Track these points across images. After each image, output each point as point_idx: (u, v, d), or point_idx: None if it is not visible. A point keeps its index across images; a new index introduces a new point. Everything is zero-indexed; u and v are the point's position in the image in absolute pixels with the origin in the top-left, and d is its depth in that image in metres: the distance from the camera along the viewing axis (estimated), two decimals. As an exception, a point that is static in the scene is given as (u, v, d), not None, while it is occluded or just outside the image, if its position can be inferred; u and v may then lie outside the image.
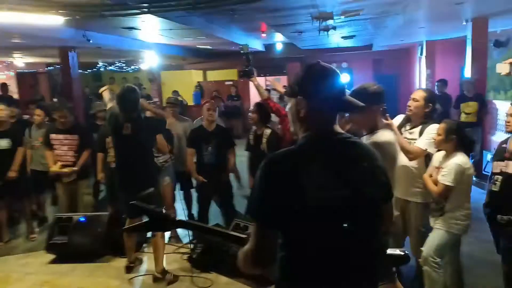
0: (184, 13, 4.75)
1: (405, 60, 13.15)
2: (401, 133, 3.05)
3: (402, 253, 1.55)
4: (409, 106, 3.09)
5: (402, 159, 2.86)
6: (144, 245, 4.38)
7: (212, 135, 4.33)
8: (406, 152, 2.90)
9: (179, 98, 8.26)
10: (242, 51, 3.87)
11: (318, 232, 1.22)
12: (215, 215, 4.59)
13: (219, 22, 6.92)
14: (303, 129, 1.34)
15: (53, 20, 4.91)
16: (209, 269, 3.77)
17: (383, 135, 2.22)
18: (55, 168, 4.49)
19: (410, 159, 2.95)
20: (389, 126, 2.60)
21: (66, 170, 4.50)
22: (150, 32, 7.74)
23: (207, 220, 4.43)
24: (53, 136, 4.57)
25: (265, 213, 1.24)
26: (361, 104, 1.38)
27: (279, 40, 10.28)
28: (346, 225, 1.23)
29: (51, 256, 4.21)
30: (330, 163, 1.27)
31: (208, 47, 10.83)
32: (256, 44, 10.66)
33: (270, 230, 1.25)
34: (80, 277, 3.82)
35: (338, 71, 1.34)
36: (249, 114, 4.50)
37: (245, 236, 1.46)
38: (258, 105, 4.21)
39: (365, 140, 2.26)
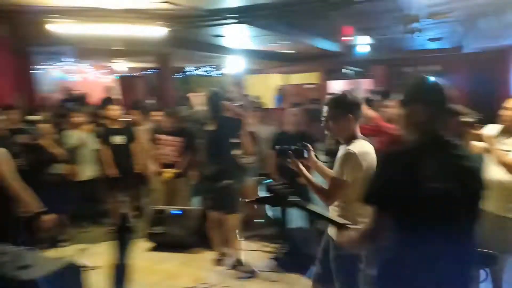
0: (271, 21, 4.98)
1: (502, 63, 11.99)
2: (496, 144, 2.83)
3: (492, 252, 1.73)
4: (503, 116, 2.90)
5: (496, 173, 2.72)
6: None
7: (294, 139, 4.46)
8: (504, 165, 2.72)
9: (258, 102, 8.56)
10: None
11: (427, 217, 1.47)
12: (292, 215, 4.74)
13: (303, 27, 7.07)
14: (416, 132, 1.58)
15: (156, 30, 5.47)
16: (293, 270, 3.87)
17: (359, 145, 2.25)
18: (167, 174, 4.87)
19: (510, 172, 2.73)
20: (478, 138, 2.52)
21: (170, 174, 4.87)
22: (235, 38, 8.17)
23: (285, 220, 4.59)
24: (158, 136, 4.91)
25: (383, 199, 1.52)
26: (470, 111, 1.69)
27: (362, 42, 10.13)
28: (450, 211, 1.49)
29: (150, 244, 4.63)
30: (440, 160, 1.51)
31: (290, 51, 11.07)
32: (335, 47, 10.62)
33: (385, 213, 1.52)
34: (174, 266, 4.18)
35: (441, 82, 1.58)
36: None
37: (347, 222, 1.79)
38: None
39: (341, 149, 2.31)
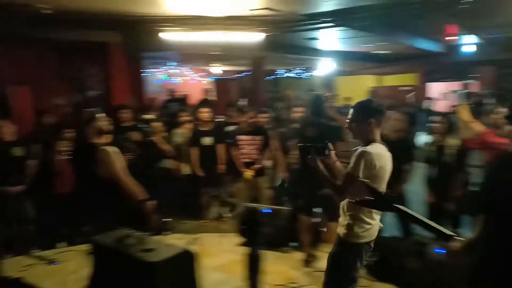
0: (370, 23, 4.89)
1: None
2: None
3: None
4: None
5: None
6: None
7: (397, 146, 4.27)
8: None
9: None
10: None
11: None
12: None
13: (403, 28, 6.78)
14: None
15: (253, 36, 5.71)
16: (385, 279, 3.78)
17: (375, 147, 2.38)
18: (247, 174, 5.08)
19: None
20: None
21: (250, 173, 5.06)
22: (328, 40, 8.13)
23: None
24: (240, 137, 5.14)
25: (491, 208, 1.59)
26: None
27: (468, 42, 9.35)
28: None
29: (241, 239, 4.87)
30: None
31: (385, 51, 10.65)
32: (437, 47, 9.93)
33: (491, 223, 1.58)
34: (265, 263, 4.34)
35: None
36: (433, 123, 4.31)
37: (452, 233, 1.78)
38: (444, 114, 4.02)
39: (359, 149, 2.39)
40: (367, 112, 2.45)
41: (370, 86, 14.51)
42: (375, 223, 2.48)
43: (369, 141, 2.43)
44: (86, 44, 6.35)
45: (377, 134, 2.47)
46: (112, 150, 3.44)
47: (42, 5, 4.37)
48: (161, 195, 5.05)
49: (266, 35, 5.48)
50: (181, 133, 5.81)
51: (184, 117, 5.91)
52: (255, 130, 5.12)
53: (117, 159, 3.43)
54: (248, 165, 5.09)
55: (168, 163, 5.45)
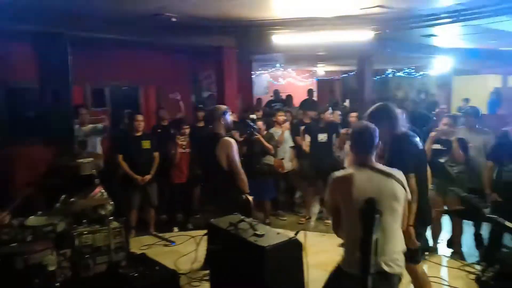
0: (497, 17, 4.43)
1: None
2: None
3: None
4: None
5: None
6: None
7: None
8: None
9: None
10: None
11: None
12: None
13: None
14: None
15: (362, 34, 5.60)
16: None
17: None
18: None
19: None
20: None
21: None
22: (448, 37, 7.53)
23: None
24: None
25: None
26: None
27: None
28: None
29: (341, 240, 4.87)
30: None
31: (514, 48, 9.46)
32: None
33: None
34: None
35: None
36: None
37: None
38: None
39: None
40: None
41: (493, 87, 13.03)
42: None
43: None
44: (204, 48, 6.92)
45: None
46: (234, 142, 3.79)
47: (169, 13, 4.90)
48: (262, 189, 5.38)
49: (375, 33, 5.32)
50: (279, 132, 6.11)
51: (281, 116, 6.18)
52: None
53: (235, 149, 3.77)
54: None
55: (269, 160, 5.75)
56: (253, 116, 5.86)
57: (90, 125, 5.59)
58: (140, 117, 5.40)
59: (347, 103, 12.88)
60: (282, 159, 5.98)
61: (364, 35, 5.69)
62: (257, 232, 2.71)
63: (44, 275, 2.48)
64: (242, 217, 2.97)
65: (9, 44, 5.95)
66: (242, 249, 2.70)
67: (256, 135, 5.50)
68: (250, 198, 3.79)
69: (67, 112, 5.21)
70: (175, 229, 5.62)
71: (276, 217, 6.12)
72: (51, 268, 2.54)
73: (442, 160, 4.38)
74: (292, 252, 2.65)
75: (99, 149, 5.64)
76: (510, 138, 4.24)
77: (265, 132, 5.87)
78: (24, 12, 4.60)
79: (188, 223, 5.76)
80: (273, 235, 2.76)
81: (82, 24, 5.11)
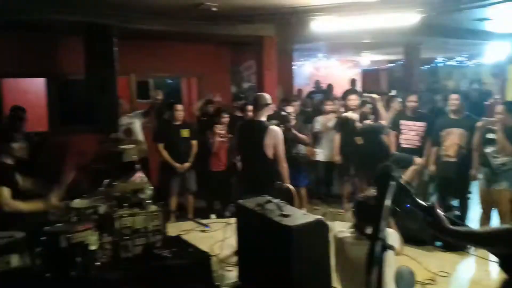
0: None
1: None
2: None
3: None
4: None
5: None
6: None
7: None
8: None
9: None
10: None
11: None
12: None
13: None
14: None
15: (408, 18, 5.33)
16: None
17: None
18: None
19: None
20: None
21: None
22: (503, 21, 6.99)
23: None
24: (402, 122, 5.24)
25: None
26: None
27: None
28: None
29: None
30: None
31: None
32: None
33: None
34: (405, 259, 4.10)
35: None
36: None
37: None
38: None
39: None
40: None
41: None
42: None
43: None
44: (244, 38, 6.90)
45: None
46: (281, 131, 3.82)
47: (210, 3, 4.91)
48: (296, 178, 5.38)
49: (422, 17, 5.03)
50: (322, 121, 6.18)
51: (329, 106, 6.26)
52: (419, 116, 5.20)
53: (281, 140, 3.80)
54: (407, 151, 5.13)
55: (303, 149, 5.82)
56: (290, 107, 5.81)
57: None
58: (179, 107, 5.56)
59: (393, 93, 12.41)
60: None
61: (410, 19, 5.41)
62: (284, 213, 2.72)
63: (86, 254, 2.59)
64: (270, 198, 2.99)
65: (60, 37, 6.27)
66: (269, 229, 2.73)
67: (290, 125, 5.45)
68: (292, 187, 3.79)
69: (113, 102, 5.42)
70: (213, 216, 5.72)
71: (311, 205, 6.14)
72: (93, 247, 2.65)
73: (488, 150, 4.34)
74: (319, 233, 2.66)
75: (141, 137, 5.84)
76: None
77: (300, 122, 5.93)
78: (74, 3, 4.81)
79: (225, 210, 5.84)
80: (299, 215, 2.77)
81: (128, 16, 5.27)
